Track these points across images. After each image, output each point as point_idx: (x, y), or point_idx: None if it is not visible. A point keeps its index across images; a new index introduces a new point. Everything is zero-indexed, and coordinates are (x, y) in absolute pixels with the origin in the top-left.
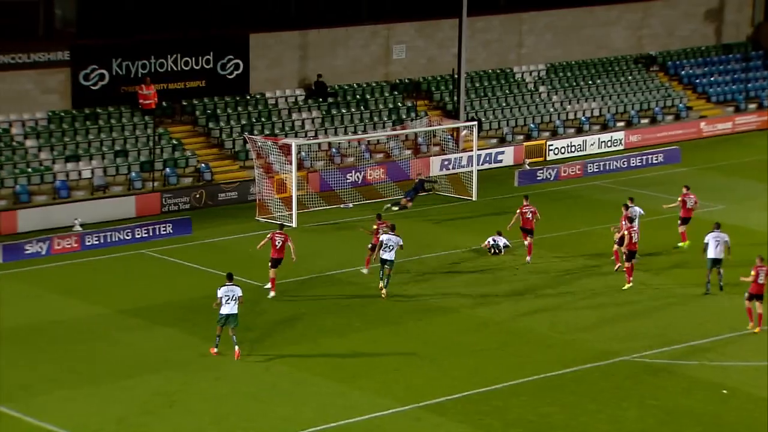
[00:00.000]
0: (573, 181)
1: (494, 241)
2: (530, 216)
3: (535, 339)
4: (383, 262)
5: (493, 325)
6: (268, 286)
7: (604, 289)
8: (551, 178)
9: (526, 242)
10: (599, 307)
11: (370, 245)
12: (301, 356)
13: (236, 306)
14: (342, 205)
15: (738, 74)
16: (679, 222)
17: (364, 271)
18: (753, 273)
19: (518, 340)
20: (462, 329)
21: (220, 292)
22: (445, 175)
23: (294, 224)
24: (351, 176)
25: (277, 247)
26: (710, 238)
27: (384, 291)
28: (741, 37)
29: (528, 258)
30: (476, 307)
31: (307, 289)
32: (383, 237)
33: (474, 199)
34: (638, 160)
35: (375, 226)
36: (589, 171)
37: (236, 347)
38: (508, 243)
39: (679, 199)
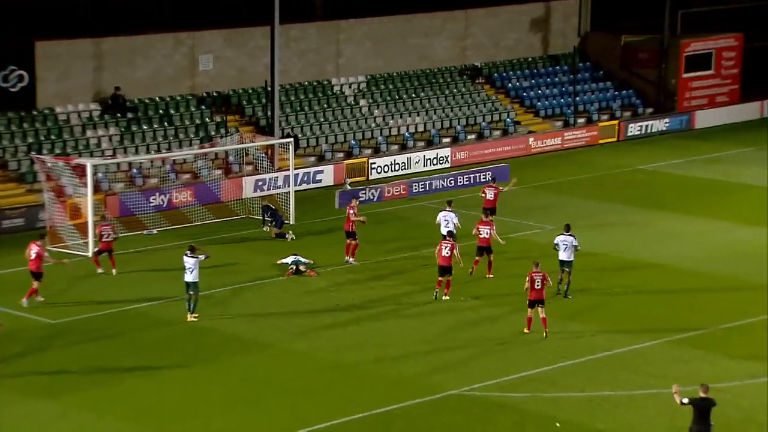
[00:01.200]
0: (398, 201)
1: (294, 259)
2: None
3: (361, 374)
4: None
5: (314, 360)
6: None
7: (432, 317)
8: (374, 199)
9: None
10: (427, 337)
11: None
12: (103, 400)
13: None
14: (145, 232)
15: (566, 87)
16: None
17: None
18: (527, 280)
19: (343, 376)
20: (281, 366)
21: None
22: (260, 197)
23: (90, 253)
24: (155, 199)
25: (32, 258)
26: (559, 241)
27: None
28: (568, 47)
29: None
30: (295, 341)
31: (106, 324)
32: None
33: (291, 222)
34: (465, 179)
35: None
36: (414, 191)
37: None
38: (305, 260)
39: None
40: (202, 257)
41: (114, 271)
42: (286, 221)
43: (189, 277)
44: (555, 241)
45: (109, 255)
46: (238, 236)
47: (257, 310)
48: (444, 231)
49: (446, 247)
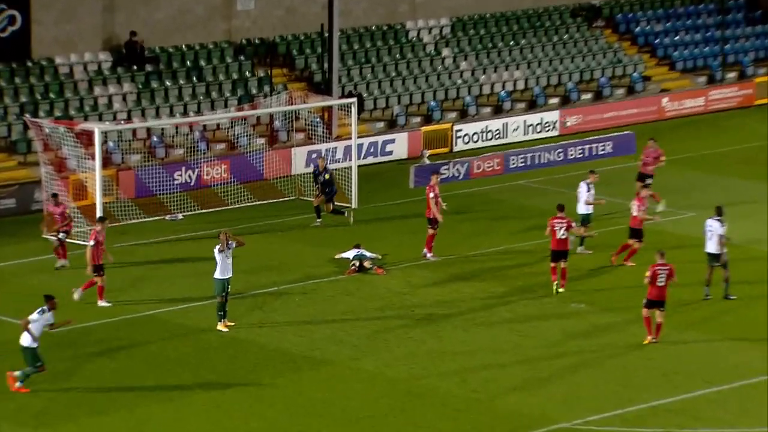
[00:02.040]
0: (490, 180)
1: (357, 253)
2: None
3: (442, 399)
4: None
5: (385, 382)
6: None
7: (530, 326)
8: (460, 177)
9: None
10: (526, 352)
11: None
12: (111, 429)
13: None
14: (168, 217)
15: (712, 31)
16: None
17: None
18: (648, 274)
19: (418, 402)
20: (343, 390)
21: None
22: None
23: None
24: (180, 176)
25: (91, 247)
26: (706, 226)
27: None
28: None
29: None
30: (358, 357)
31: (118, 333)
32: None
33: (353, 206)
34: (579, 152)
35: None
36: (512, 166)
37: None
38: (370, 255)
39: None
40: (233, 246)
41: (64, 262)
42: (344, 207)
43: (222, 274)
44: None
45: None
46: (286, 223)
47: (309, 317)
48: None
49: (560, 226)
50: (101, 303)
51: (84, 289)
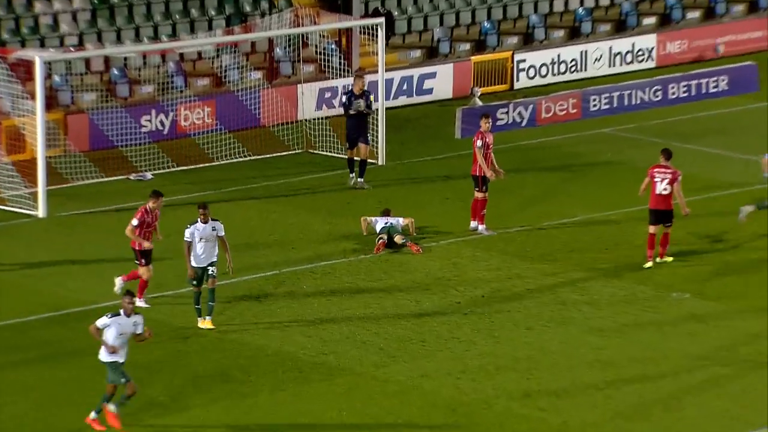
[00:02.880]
0: (563, 128)
1: (386, 223)
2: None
3: (499, 426)
4: None
5: (421, 399)
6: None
7: (621, 328)
8: (523, 123)
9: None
10: (612, 358)
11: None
12: None
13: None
14: (133, 176)
15: None
16: None
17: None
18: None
19: (465, 420)
20: (365, 408)
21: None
22: (326, 118)
23: (41, 212)
24: (149, 121)
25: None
26: None
27: None
28: None
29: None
30: (389, 365)
31: (64, 331)
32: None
33: (379, 162)
34: (681, 89)
35: None
36: (593, 108)
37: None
38: (403, 222)
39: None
40: (220, 228)
41: None
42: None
43: (200, 258)
44: None
45: None
46: (291, 185)
47: (321, 310)
48: None
49: (662, 177)
50: (139, 302)
51: (126, 279)
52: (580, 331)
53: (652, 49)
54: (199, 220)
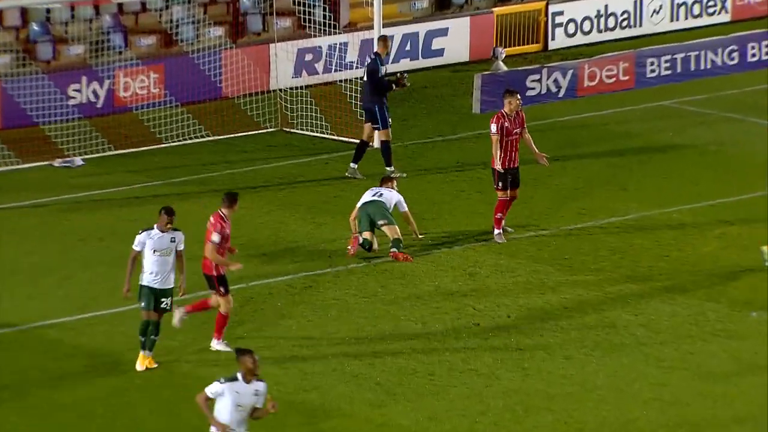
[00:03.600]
0: (611, 100)
1: (374, 195)
2: None
3: None
4: None
5: None
6: None
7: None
8: (560, 94)
9: None
10: (680, 404)
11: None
12: None
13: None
14: (59, 162)
15: None
16: None
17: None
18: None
19: None
20: None
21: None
22: (306, 87)
23: None
24: (79, 92)
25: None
26: None
27: None
28: None
29: None
30: (387, 405)
31: None
32: None
33: (375, 145)
34: (764, 49)
35: None
36: (649, 76)
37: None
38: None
39: None
40: (180, 240)
41: None
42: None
43: (151, 276)
44: None
45: None
46: (262, 175)
47: (304, 335)
48: None
49: None
50: (216, 344)
51: (193, 310)
52: (633, 361)
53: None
54: (155, 226)
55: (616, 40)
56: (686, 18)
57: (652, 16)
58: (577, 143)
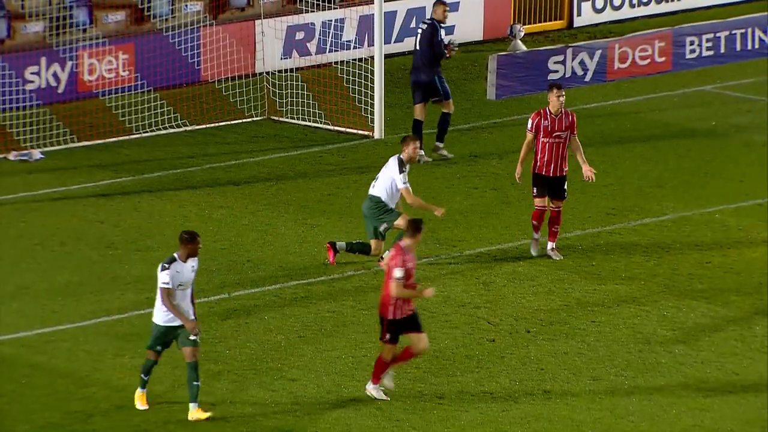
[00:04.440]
0: (645, 84)
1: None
2: None
3: None
4: None
5: None
6: None
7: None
8: (587, 78)
9: None
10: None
11: None
12: None
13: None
14: (14, 155)
15: None
16: None
17: None
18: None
19: None
20: None
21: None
22: (297, 70)
23: None
24: (38, 74)
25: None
26: None
27: None
28: None
29: None
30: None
31: None
32: None
33: (376, 136)
34: None
35: None
36: (689, 56)
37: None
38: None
39: None
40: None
41: None
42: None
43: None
44: None
45: None
46: (248, 169)
47: (295, 353)
48: None
49: None
50: (372, 389)
51: (403, 361)
52: (670, 383)
53: None
54: (176, 256)
55: (650, 16)
56: None
57: None
58: (606, 134)
